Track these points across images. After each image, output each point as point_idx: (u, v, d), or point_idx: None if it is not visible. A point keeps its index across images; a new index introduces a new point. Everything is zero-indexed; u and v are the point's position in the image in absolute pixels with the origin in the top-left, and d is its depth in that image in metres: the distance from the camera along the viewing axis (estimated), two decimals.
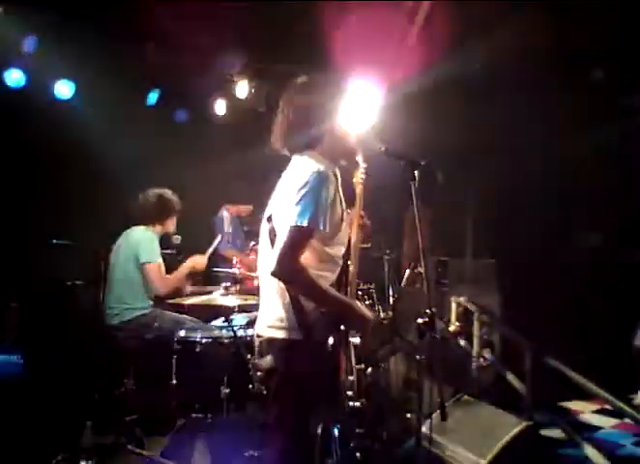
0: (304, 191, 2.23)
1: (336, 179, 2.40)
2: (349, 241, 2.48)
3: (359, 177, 2.57)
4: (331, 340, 2.28)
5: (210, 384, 3.59)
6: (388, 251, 5.04)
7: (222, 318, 4.02)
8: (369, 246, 6.16)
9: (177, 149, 5.95)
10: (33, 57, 4.79)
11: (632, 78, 4.99)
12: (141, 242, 4.29)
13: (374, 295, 4.58)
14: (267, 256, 2.37)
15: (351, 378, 2.41)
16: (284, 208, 2.29)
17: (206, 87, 5.49)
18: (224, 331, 3.85)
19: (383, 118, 2.86)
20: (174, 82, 5.49)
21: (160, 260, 4.28)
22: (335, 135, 2.42)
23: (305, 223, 2.20)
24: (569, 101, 5.19)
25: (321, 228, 2.24)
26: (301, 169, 2.33)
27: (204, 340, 3.73)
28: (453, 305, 5.23)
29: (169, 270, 4.55)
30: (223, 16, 4.59)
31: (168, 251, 4.43)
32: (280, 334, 2.31)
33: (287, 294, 2.28)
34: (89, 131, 5.55)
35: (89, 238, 4.49)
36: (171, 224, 4.54)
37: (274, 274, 2.23)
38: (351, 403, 2.42)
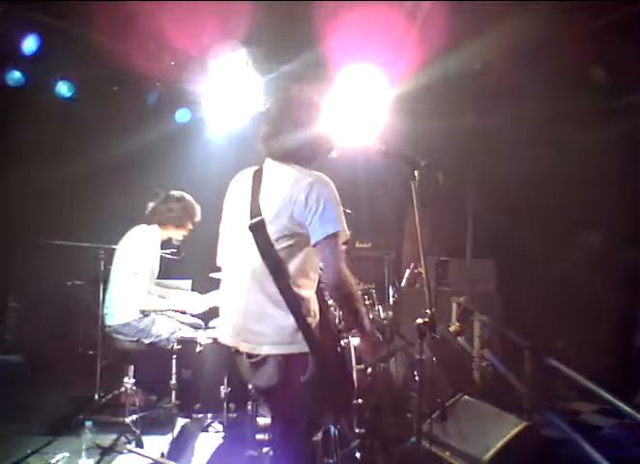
0: (324, 197, 2.19)
1: None
2: None
3: None
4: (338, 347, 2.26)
5: (210, 384, 3.59)
6: (388, 251, 5.05)
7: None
8: (369, 245, 6.21)
9: (177, 149, 5.95)
10: (33, 57, 4.79)
11: (632, 78, 4.98)
12: (139, 246, 4.10)
13: (374, 295, 4.59)
14: (250, 267, 2.28)
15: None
16: (292, 217, 2.21)
17: (205, 87, 5.47)
18: None
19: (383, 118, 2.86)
20: (174, 82, 5.48)
21: (147, 273, 4.02)
22: (317, 152, 2.39)
23: (339, 228, 2.20)
24: (570, 101, 5.19)
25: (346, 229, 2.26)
26: (295, 177, 2.25)
27: (204, 340, 3.73)
28: (453, 305, 5.23)
29: (170, 270, 4.53)
30: (224, 15, 4.58)
31: (168, 251, 4.37)
32: (282, 350, 2.21)
33: (285, 306, 2.19)
34: (89, 131, 5.56)
35: (89, 238, 4.48)
36: (180, 233, 4.31)
37: (337, 286, 2.19)
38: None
